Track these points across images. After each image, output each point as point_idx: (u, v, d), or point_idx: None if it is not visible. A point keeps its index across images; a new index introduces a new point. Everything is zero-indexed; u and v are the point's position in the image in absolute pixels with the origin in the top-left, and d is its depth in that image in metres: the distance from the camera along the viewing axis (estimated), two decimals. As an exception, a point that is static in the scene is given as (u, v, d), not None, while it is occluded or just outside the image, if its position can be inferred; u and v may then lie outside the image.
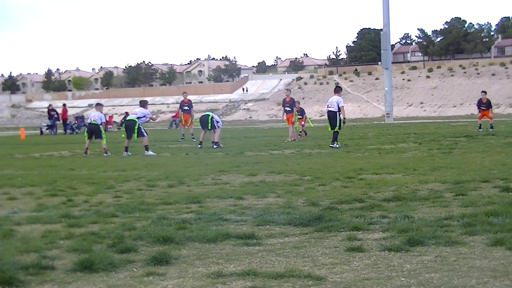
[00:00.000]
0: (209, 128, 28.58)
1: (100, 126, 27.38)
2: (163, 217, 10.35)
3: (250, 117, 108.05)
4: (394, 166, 17.41)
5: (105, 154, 26.41)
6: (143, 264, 7.34)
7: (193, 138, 35.61)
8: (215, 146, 27.89)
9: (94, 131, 27.35)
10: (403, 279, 6.47)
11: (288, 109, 33.55)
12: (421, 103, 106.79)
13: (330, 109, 27.11)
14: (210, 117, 28.76)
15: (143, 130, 26.54)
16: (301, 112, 36.54)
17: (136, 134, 26.48)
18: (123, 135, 27.65)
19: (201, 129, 29.28)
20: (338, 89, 28.19)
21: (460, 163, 17.66)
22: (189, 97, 38.89)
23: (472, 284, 6.21)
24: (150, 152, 25.94)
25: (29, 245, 8.39)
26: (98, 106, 29.14)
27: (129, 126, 26.90)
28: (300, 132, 35.98)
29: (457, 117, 77.00)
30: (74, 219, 10.41)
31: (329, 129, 27.09)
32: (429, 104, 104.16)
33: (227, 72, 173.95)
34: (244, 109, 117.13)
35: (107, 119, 65.47)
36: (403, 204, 11.07)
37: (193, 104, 38.42)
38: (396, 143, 27.69)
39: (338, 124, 26.51)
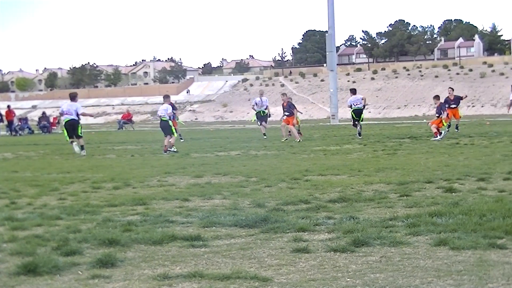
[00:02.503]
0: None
1: (170, 121, 26.74)
2: (108, 219, 10.27)
3: (196, 119, 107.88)
4: (339, 167, 17.51)
5: (164, 153, 25.72)
6: (88, 266, 7.27)
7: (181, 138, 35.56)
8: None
9: (163, 128, 26.85)
10: (348, 279, 6.51)
11: (287, 113, 33.70)
12: (366, 104, 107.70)
13: (358, 106, 32.82)
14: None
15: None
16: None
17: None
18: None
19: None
20: (355, 90, 35.41)
21: (404, 164, 17.84)
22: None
23: (416, 284, 6.28)
24: (84, 152, 25.83)
25: (-29, 249, 8.26)
26: (166, 98, 28.04)
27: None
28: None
29: (401, 118, 77.74)
30: (18, 222, 10.27)
31: (355, 123, 32.54)
32: (374, 105, 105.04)
33: (173, 74, 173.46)
34: (190, 110, 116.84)
35: (52, 121, 64.85)
36: (349, 205, 11.14)
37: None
38: (341, 145, 27.86)
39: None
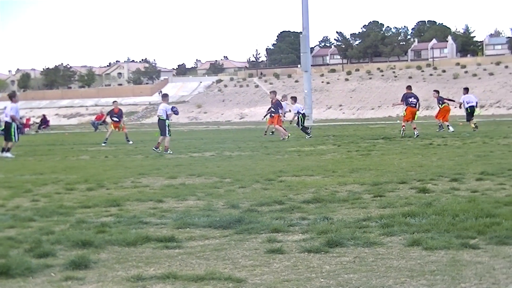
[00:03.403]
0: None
1: (166, 120, 26.70)
2: (82, 220, 10.22)
3: (171, 120, 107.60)
4: (313, 168, 17.54)
5: (165, 152, 25.72)
6: (62, 268, 7.22)
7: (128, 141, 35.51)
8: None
9: (160, 127, 26.82)
10: (322, 280, 6.52)
11: (273, 110, 34.61)
12: (340, 105, 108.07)
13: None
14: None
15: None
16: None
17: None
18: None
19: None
20: (467, 89, 38.48)
21: (378, 165, 17.90)
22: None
23: (390, 284, 6.30)
24: (9, 154, 25.70)
25: None
26: (164, 97, 28.34)
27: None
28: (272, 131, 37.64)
29: (375, 119, 78.08)
30: (-10, 223, 10.20)
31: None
32: (348, 106, 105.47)
33: (147, 75, 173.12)
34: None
35: (25, 122, 64.46)
36: (323, 206, 11.16)
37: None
38: (315, 145, 27.91)
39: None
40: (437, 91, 39.76)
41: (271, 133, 38.21)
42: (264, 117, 40.55)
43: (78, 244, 8.32)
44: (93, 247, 8.23)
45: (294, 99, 37.54)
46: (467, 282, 6.28)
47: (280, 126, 34.61)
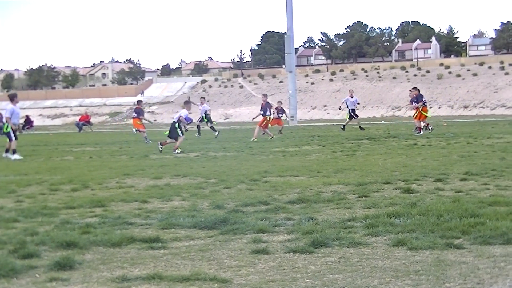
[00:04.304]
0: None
1: (176, 124, 26.78)
2: (66, 221, 10.19)
3: (155, 120, 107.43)
4: (298, 169, 17.56)
5: (174, 152, 25.90)
6: (46, 269, 7.20)
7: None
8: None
9: (170, 129, 26.98)
10: (307, 280, 6.54)
11: (262, 113, 35.60)
12: (325, 106, 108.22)
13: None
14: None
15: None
16: (281, 111, 40.10)
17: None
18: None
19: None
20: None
21: (363, 165, 17.93)
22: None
23: (374, 284, 6.32)
24: (16, 156, 25.51)
25: None
26: (187, 103, 28.63)
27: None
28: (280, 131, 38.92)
29: (360, 119, 78.11)
30: (-26, 224, 10.16)
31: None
32: (332, 107, 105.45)
33: (131, 75, 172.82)
34: (149, 112, 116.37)
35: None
36: (308, 206, 11.18)
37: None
38: (300, 146, 27.92)
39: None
40: (418, 89, 40.06)
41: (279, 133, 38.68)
42: (254, 118, 41.15)
43: (62, 245, 8.30)
44: (78, 248, 8.21)
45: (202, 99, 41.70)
46: (452, 282, 6.31)
47: (264, 128, 35.21)
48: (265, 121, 35.11)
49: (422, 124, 34.40)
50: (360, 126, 41.94)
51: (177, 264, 7.41)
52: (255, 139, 33.04)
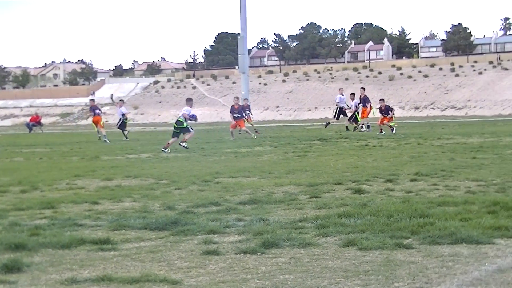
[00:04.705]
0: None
1: (184, 123, 27.34)
2: (15, 223, 10.06)
3: (107, 121, 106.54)
4: (250, 169, 17.57)
5: (180, 144, 26.93)
6: (-6, 272, 7.11)
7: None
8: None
9: (180, 129, 27.51)
10: (258, 281, 6.54)
11: (237, 115, 36.64)
12: (277, 106, 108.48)
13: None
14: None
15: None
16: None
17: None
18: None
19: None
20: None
21: (314, 166, 18.01)
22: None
23: (325, 285, 6.34)
24: None
25: None
26: (188, 101, 29.24)
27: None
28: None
29: (312, 120, 78.54)
30: None
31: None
32: (285, 108, 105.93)
33: (83, 76, 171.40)
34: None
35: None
36: (259, 207, 11.18)
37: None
38: (252, 147, 27.92)
39: None
40: (364, 88, 41.04)
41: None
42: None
43: (10, 247, 8.19)
44: (27, 250, 8.11)
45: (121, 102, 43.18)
46: (401, 281, 6.36)
47: (233, 128, 36.46)
48: (242, 122, 36.41)
49: (360, 124, 35.16)
50: (346, 127, 41.13)
51: (127, 265, 7.37)
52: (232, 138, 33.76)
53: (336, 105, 42.37)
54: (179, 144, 26.70)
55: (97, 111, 39.22)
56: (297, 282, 6.46)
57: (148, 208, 11.43)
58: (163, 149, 26.14)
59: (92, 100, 41.20)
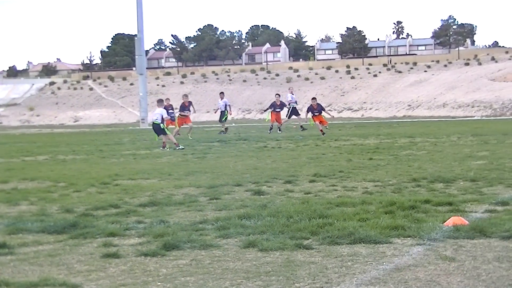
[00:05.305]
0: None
1: (161, 124, 27.61)
2: None
3: (1, 123, 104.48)
4: (149, 172, 17.48)
5: (177, 147, 26.72)
6: None
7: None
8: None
9: (155, 130, 28.18)
10: (159, 283, 6.52)
11: (187, 112, 37.57)
12: (175, 108, 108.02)
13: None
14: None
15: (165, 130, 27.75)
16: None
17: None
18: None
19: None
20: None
21: (214, 168, 18.04)
22: None
23: (226, 286, 6.37)
24: None
25: None
26: (160, 102, 29.64)
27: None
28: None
29: (211, 122, 78.52)
30: None
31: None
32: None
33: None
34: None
35: None
36: (159, 209, 11.15)
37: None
38: (151, 149, 27.76)
39: None
40: (279, 95, 41.92)
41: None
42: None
43: None
44: None
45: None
46: (301, 282, 6.43)
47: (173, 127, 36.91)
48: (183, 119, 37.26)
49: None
50: (301, 126, 41.26)
51: (25, 270, 7.24)
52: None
53: (289, 104, 42.79)
54: (174, 149, 26.29)
55: None
56: (199, 284, 6.47)
57: (46, 211, 11.24)
58: (161, 148, 26.96)
59: None
